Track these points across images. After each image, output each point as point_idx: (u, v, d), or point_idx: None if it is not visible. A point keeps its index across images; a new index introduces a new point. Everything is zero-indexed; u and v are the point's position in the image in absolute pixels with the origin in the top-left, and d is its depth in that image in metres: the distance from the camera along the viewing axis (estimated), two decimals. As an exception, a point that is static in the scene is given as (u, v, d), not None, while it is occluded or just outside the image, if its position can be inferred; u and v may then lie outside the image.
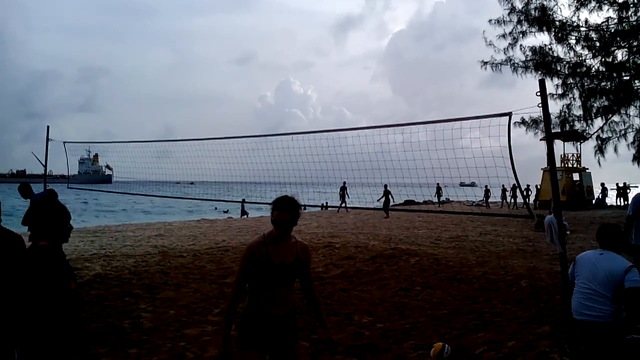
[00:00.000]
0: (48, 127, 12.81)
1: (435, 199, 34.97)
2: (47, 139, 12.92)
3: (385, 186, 25.59)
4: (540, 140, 22.41)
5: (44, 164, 13.09)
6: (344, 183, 27.26)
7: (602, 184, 39.66)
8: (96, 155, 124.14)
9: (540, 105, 4.57)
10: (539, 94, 4.55)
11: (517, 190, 26.03)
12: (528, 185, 37.71)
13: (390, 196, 27.42)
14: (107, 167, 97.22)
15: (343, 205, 28.36)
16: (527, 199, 10.64)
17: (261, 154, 10.37)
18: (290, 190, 8.65)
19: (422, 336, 6.43)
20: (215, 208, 40.39)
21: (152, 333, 6.59)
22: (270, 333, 3.54)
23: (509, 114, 4.84)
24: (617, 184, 38.96)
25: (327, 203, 28.94)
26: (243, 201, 22.21)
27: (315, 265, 11.47)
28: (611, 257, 4.55)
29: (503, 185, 34.13)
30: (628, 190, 38.02)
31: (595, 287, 4.45)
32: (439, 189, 32.70)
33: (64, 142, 13.85)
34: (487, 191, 35.45)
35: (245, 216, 32.42)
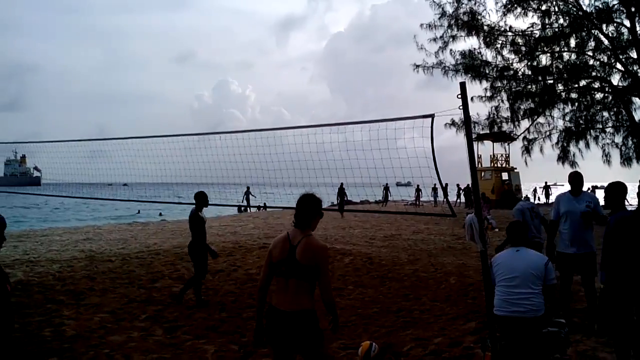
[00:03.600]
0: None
1: (380, 199, 35.44)
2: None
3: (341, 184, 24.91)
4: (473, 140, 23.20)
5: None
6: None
7: (546, 183, 42.61)
8: (24, 157, 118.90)
9: (461, 107, 4.68)
10: (460, 96, 4.67)
11: (447, 190, 26.70)
12: (458, 185, 38.95)
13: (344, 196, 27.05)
14: (36, 168, 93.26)
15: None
16: (448, 199, 10.88)
17: (198, 153, 10.15)
18: (226, 191, 8.59)
19: (352, 335, 6.48)
20: (160, 214, 38.24)
21: (75, 341, 6.32)
22: (274, 327, 3.68)
23: (432, 116, 4.94)
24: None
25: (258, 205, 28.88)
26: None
27: (249, 267, 11.38)
28: (528, 253, 4.73)
29: (435, 185, 35.01)
30: (550, 190, 40.65)
31: (517, 284, 4.58)
32: (386, 188, 33.44)
33: (-17, 143, 13.15)
34: (418, 190, 36.30)
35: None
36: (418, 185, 35.00)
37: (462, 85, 4.59)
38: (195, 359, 5.75)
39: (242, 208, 31.76)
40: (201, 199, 8.44)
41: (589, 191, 18.04)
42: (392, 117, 5.81)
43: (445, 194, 8.61)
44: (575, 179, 6.33)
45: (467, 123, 4.72)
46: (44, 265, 11.53)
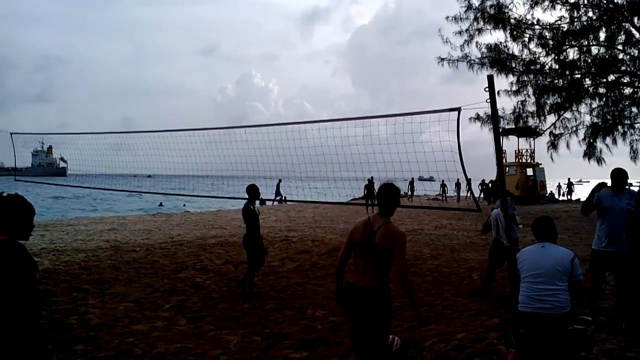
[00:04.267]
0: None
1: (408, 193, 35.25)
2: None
3: (371, 178, 24.84)
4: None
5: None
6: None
7: (569, 179, 41.82)
8: (50, 148, 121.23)
9: (488, 100, 4.61)
10: (487, 89, 4.60)
11: (472, 185, 26.47)
12: (483, 180, 38.51)
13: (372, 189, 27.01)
14: (62, 159, 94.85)
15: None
16: (473, 193, 10.59)
17: (222, 146, 10.22)
18: (249, 182, 8.61)
19: (374, 329, 6.45)
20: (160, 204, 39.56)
21: (100, 329, 6.43)
22: (349, 300, 4.06)
23: (458, 109, 4.89)
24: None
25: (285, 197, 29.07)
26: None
27: (270, 259, 11.42)
28: (553, 249, 4.65)
29: (458, 180, 34.73)
30: (573, 187, 40.23)
31: (543, 280, 4.52)
32: (411, 183, 33.39)
33: (11, 134, 13.39)
34: (443, 185, 36.05)
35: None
36: (443, 181, 34.76)
37: (490, 78, 4.52)
38: (218, 349, 5.79)
39: (276, 200, 31.98)
40: (253, 192, 8.57)
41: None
42: (416, 110, 5.76)
43: (470, 189, 8.47)
44: (618, 175, 6.08)
45: (494, 117, 4.65)
46: (70, 255, 11.74)
